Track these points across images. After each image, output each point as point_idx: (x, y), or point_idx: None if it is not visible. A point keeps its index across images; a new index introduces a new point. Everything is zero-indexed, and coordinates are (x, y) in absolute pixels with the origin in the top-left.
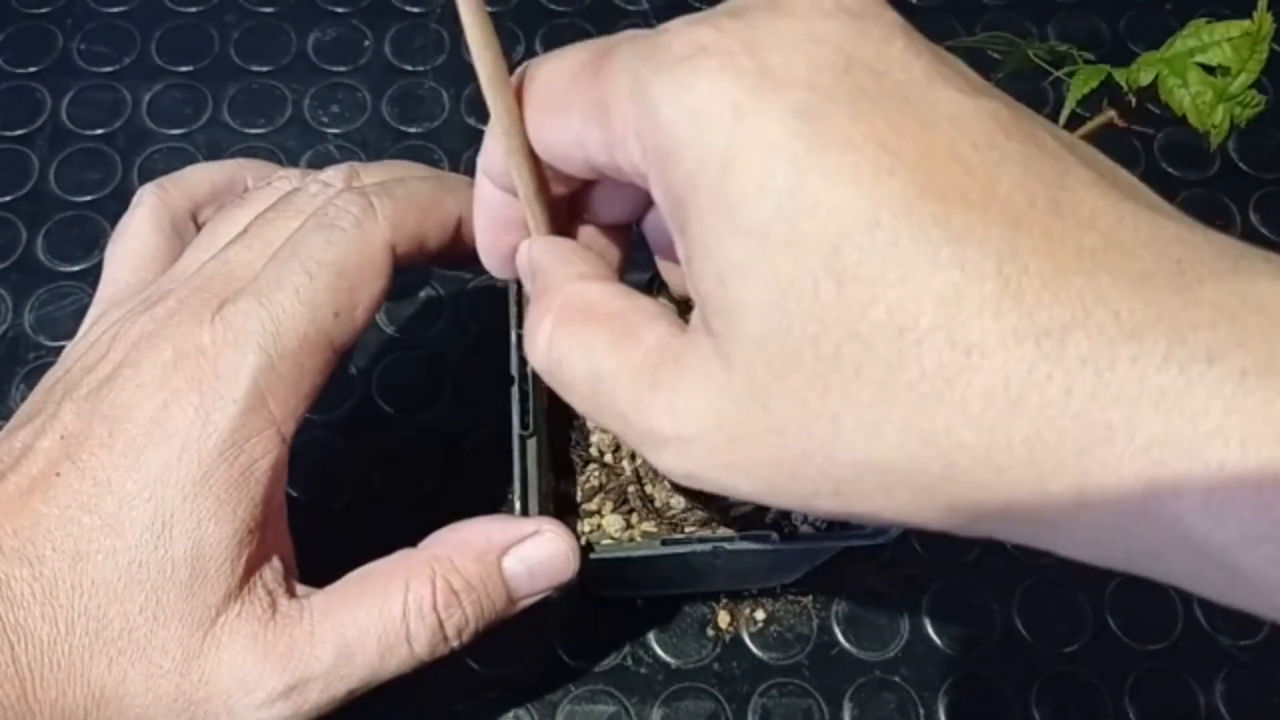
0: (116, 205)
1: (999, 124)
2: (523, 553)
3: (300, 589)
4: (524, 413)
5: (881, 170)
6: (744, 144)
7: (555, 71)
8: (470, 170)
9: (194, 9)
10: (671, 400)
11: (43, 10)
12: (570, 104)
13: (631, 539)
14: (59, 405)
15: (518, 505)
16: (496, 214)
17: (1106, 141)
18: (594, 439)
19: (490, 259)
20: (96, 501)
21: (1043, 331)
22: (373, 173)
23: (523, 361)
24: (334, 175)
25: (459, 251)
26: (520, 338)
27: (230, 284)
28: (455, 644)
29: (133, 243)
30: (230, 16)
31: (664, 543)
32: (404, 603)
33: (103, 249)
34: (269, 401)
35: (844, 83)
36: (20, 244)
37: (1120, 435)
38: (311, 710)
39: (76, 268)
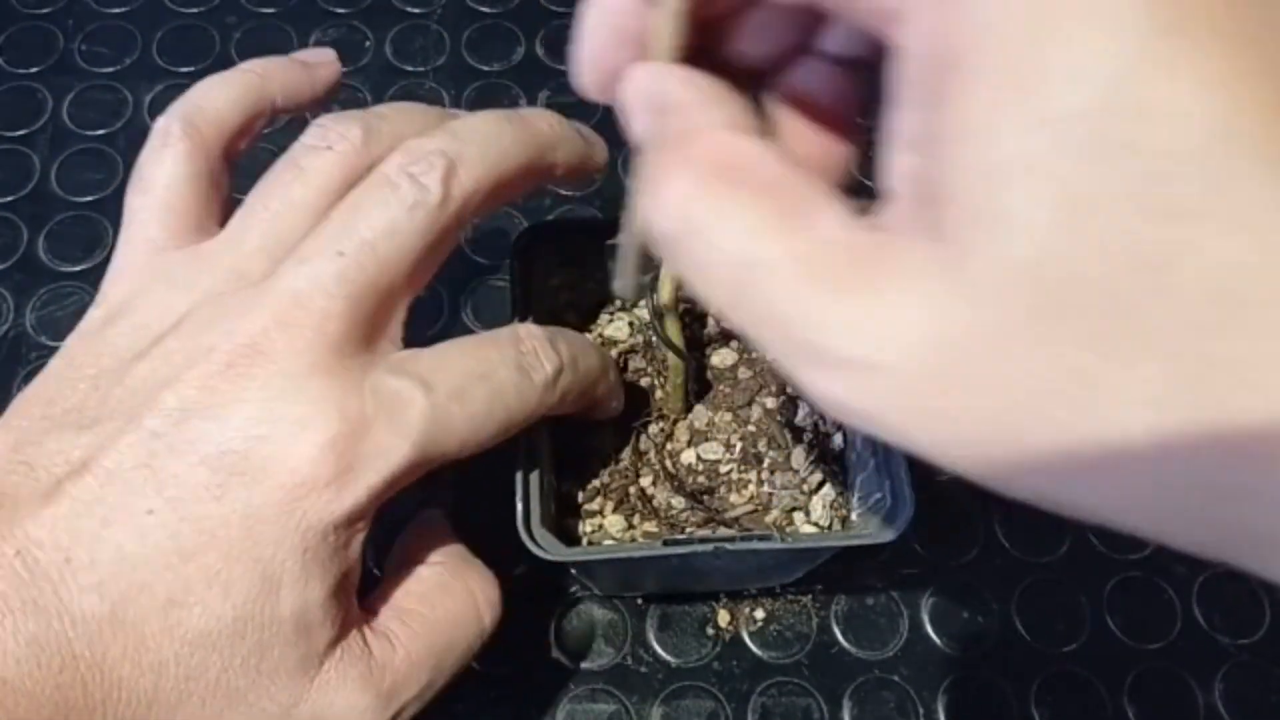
0: (118, 206)
1: None
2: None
3: (374, 621)
4: None
5: (1249, 75)
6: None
7: None
8: None
9: (195, 10)
10: (864, 314)
11: (44, 11)
12: None
13: (633, 539)
14: (129, 420)
15: (519, 505)
16: (614, 19)
17: None
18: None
19: (591, 74)
20: (196, 550)
21: None
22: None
23: None
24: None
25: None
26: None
27: (343, 320)
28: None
29: (164, 195)
30: (231, 17)
31: (665, 543)
32: (475, 598)
33: (104, 249)
34: (390, 489)
35: None
36: (21, 244)
37: None
38: (410, 711)
39: (78, 268)
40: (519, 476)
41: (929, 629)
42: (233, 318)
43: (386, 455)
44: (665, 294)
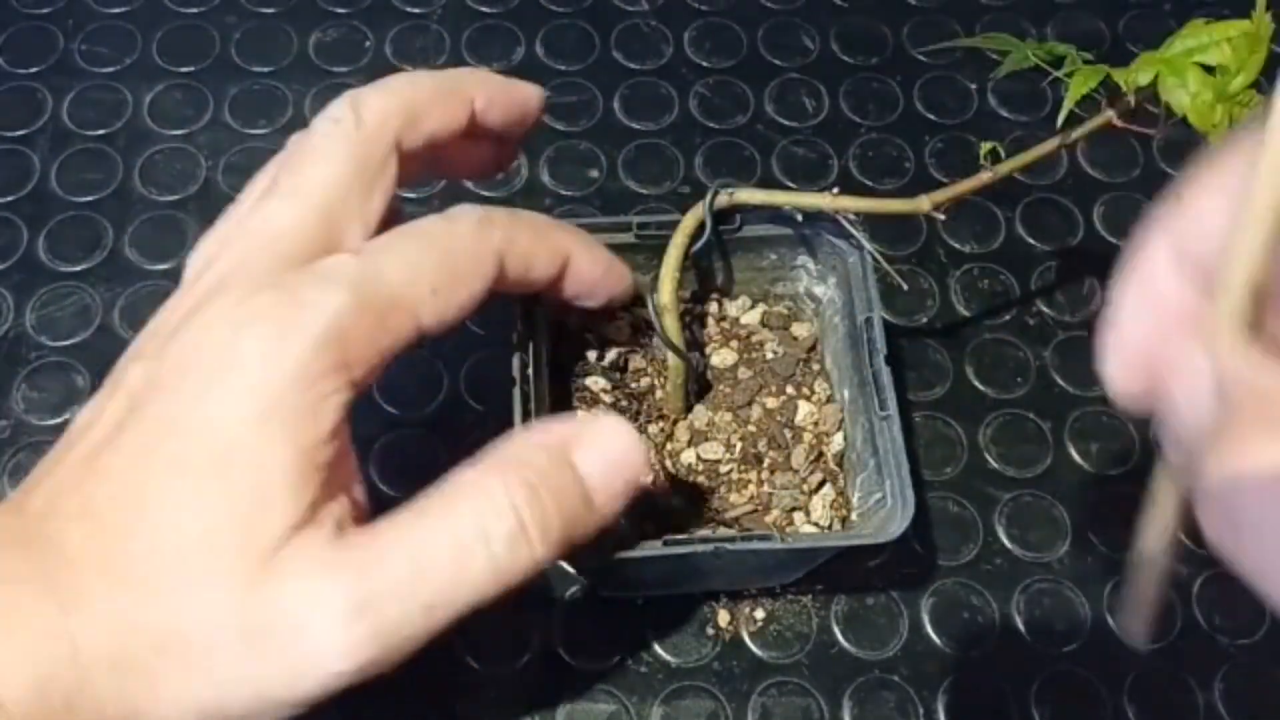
0: (117, 205)
1: None
2: (591, 444)
3: (360, 520)
4: (525, 413)
5: None
6: None
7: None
8: None
9: (195, 9)
10: None
11: (43, 11)
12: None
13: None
14: (125, 369)
15: None
16: (1160, 310)
17: (1105, 142)
18: None
19: (1127, 369)
20: (160, 443)
21: None
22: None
23: (523, 362)
24: (337, 104)
25: (563, 290)
26: (519, 337)
27: (289, 241)
28: (541, 549)
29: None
30: (231, 17)
31: (665, 543)
32: (474, 502)
33: (104, 249)
34: (346, 344)
35: None
36: (21, 244)
37: None
38: (391, 632)
39: (78, 268)
40: None
41: (929, 629)
42: (219, 260)
43: (322, 306)
44: (665, 293)
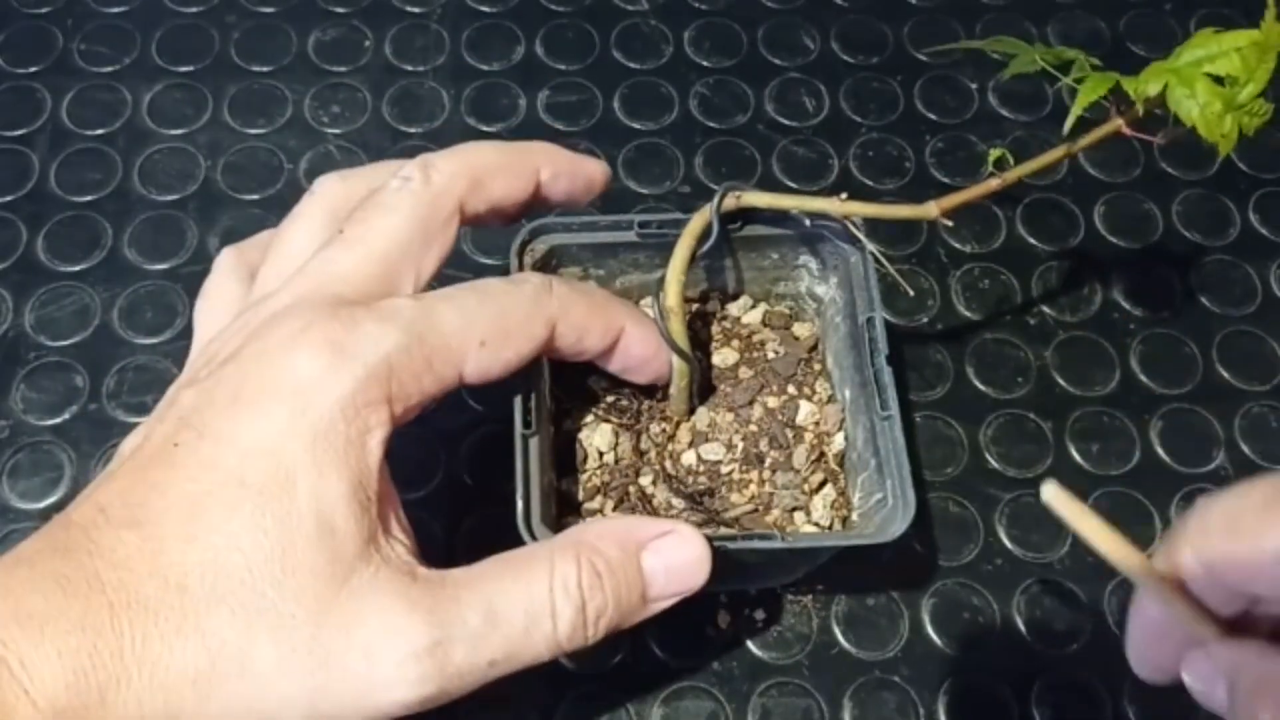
0: (117, 205)
1: None
2: (661, 548)
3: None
4: (526, 411)
5: None
6: None
7: (1238, 504)
8: None
9: (194, 9)
10: None
11: (43, 10)
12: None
13: None
14: (178, 393)
15: (519, 504)
16: (1155, 628)
17: (1107, 143)
18: (594, 440)
19: (1145, 668)
20: (217, 458)
21: None
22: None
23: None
24: (409, 166)
25: (610, 363)
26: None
27: (348, 284)
28: (591, 634)
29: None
30: (230, 17)
31: None
32: (550, 577)
33: (103, 249)
34: (393, 379)
35: None
36: (20, 244)
37: None
38: (453, 675)
39: (77, 268)
40: (519, 476)
41: (929, 629)
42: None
43: (378, 339)
44: (671, 296)
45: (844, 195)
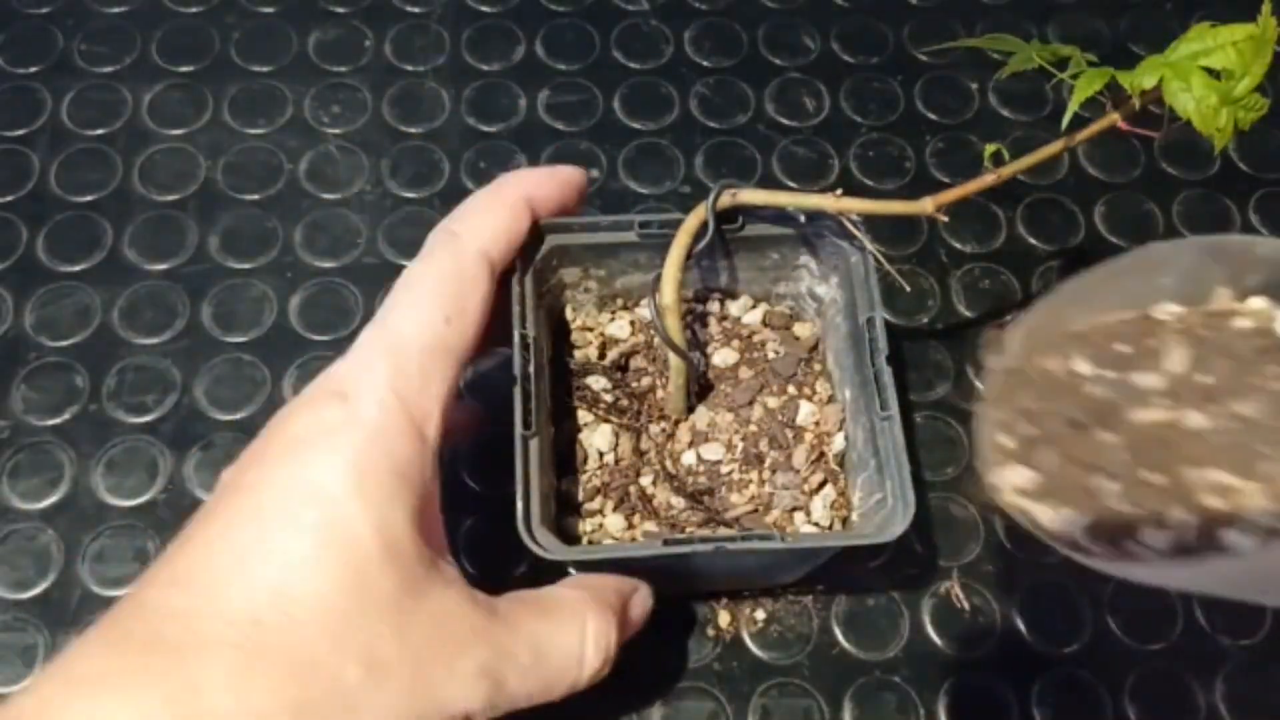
0: (116, 205)
1: None
2: (636, 600)
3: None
4: (526, 413)
5: None
6: None
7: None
8: (470, 170)
9: (194, 9)
10: None
11: (43, 10)
12: None
13: (633, 539)
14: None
15: (519, 505)
16: None
17: (1107, 142)
18: (594, 440)
19: None
20: (258, 504)
21: None
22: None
23: (524, 361)
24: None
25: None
26: (523, 338)
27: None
28: (604, 672)
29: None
30: (231, 17)
31: (665, 543)
32: (583, 630)
33: (103, 249)
34: (406, 405)
35: None
36: (21, 244)
37: None
38: (499, 702)
39: (77, 268)
40: (519, 476)
41: (930, 630)
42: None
43: (374, 378)
44: (667, 293)
45: (839, 191)
